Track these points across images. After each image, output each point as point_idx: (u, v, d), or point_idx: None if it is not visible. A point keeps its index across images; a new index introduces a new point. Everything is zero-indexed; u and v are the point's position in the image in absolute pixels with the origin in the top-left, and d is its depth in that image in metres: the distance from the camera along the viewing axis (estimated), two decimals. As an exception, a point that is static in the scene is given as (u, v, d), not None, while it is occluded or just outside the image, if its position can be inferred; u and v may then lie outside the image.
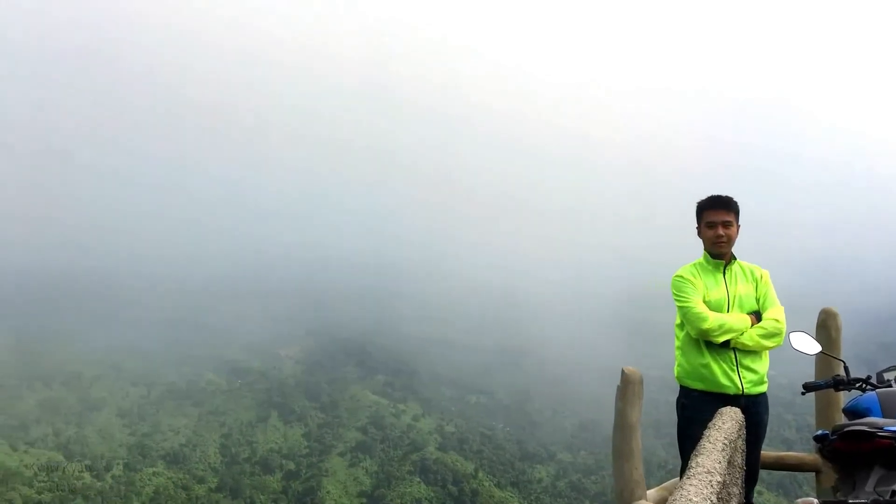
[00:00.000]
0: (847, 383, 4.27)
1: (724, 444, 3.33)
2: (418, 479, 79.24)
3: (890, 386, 3.97)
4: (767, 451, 6.04)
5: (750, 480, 4.77)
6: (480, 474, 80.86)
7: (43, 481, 68.41)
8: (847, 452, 3.18)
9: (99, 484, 71.24)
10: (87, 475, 72.97)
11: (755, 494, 5.02)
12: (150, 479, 74.31)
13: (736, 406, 4.45)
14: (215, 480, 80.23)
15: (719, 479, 2.83)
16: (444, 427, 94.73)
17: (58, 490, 67.31)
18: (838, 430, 3.21)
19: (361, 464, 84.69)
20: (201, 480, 79.19)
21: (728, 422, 3.76)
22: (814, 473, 6.33)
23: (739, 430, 3.86)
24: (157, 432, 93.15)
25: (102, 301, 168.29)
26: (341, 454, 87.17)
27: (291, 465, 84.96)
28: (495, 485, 79.24)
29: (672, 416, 5.29)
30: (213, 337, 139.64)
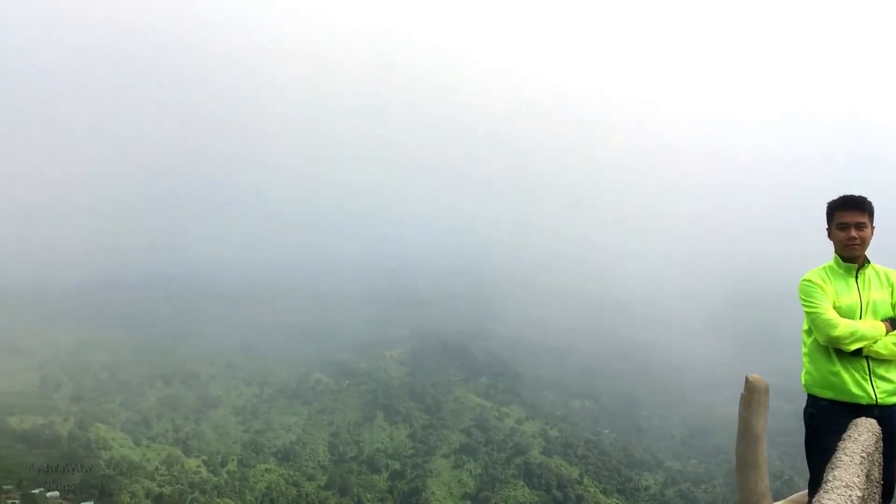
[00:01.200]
0: None
1: (862, 457, 3.20)
2: (522, 483, 78.91)
3: None
4: None
5: (886, 495, 4.54)
6: (586, 480, 79.84)
7: (163, 475, 71.92)
8: None
9: (215, 479, 74.30)
10: (203, 470, 76.37)
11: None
12: (262, 476, 76.85)
13: (869, 416, 4.27)
14: (324, 478, 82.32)
15: (858, 494, 2.72)
16: (548, 431, 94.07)
17: (177, 484, 70.54)
18: None
19: (465, 465, 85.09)
20: (311, 478, 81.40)
21: (864, 433, 3.60)
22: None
23: (877, 442, 3.70)
24: (270, 430, 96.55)
25: (221, 304, 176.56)
26: (445, 455, 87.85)
27: (397, 465, 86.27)
28: (601, 491, 78.10)
29: (788, 425, 5.11)
30: (323, 338, 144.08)
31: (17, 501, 50.53)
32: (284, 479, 77.73)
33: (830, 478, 2.83)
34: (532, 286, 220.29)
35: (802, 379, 4.91)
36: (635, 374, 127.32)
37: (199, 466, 76.54)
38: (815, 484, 3.82)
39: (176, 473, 73.36)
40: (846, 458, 3.12)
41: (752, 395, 5.10)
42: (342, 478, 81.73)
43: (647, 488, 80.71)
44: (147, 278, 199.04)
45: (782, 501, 5.54)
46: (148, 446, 78.08)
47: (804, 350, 4.89)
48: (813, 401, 4.82)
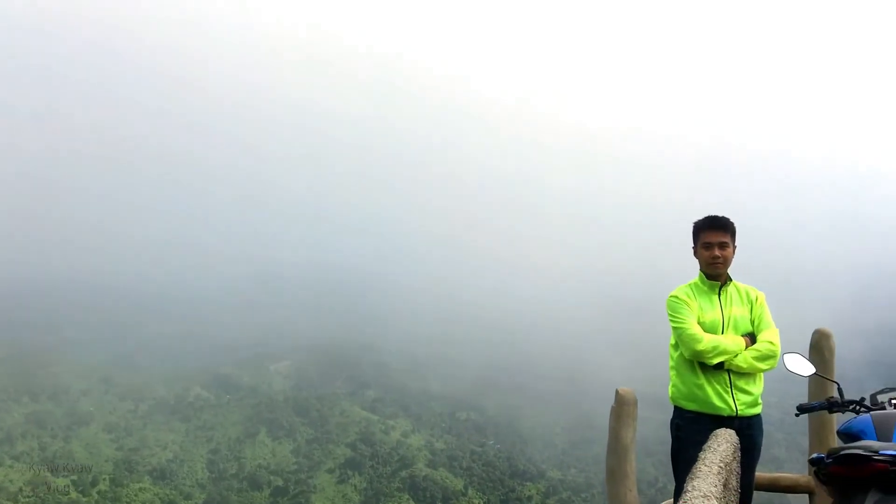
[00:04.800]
0: (841, 405, 4.26)
1: (720, 466, 3.32)
2: (407, 496, 78.88)
3: (884, 408, 3.96)
4: (760, 473, 6.03)
5: (744, 503, 4.75)
6: (470, 491, 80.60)
7: (28, 497, 67.76)
8: (843, 476, 3.16)
9: (85, 499, 70.64)
10: (72, 490, 72.32)
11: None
12: (136, 495, 73.75)
13: (730, 428, 4.44)
14: (202, 496, 79.78)
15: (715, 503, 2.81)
16: (433, 443, 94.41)
17: (43, 505, 66.64)
18: (834, 454, 3.18)
19: (350, 480, 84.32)
20: (188, 496, 78.72)
21: (723, 444, 3.74)
22: (807, 495, 6.33)
23: (734, 452, 3.85)
24: (145, 447, 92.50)
25: (97, 314, 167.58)
26: (330, 470, 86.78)
27: (279, 482, 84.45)
28: (485, 502, 79.00)
29: (663, 435, 5.24)
30: (205, 351, 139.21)
31: None
32: (160, 498, 74.87)
33: (690, 488, 2.91)
34: (424, 298, 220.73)
35: (669, 392, 5.07)
36: (521, 384, 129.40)
37: (67, 487, 72.37)
38: (680, 493, 3.94)
39: (42, 495, 69.18)
40: (705, 468, 3.22)
41: (621, 408, 5.26)
42: (221, 495, 79.40)
43: (529, 498, 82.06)
44: (15, 286, 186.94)
45: (650, 510, 5.72)
46: (11, 466, 73.30)
47: (671, 364, 5.06)
48: (679, 413, 5.00)
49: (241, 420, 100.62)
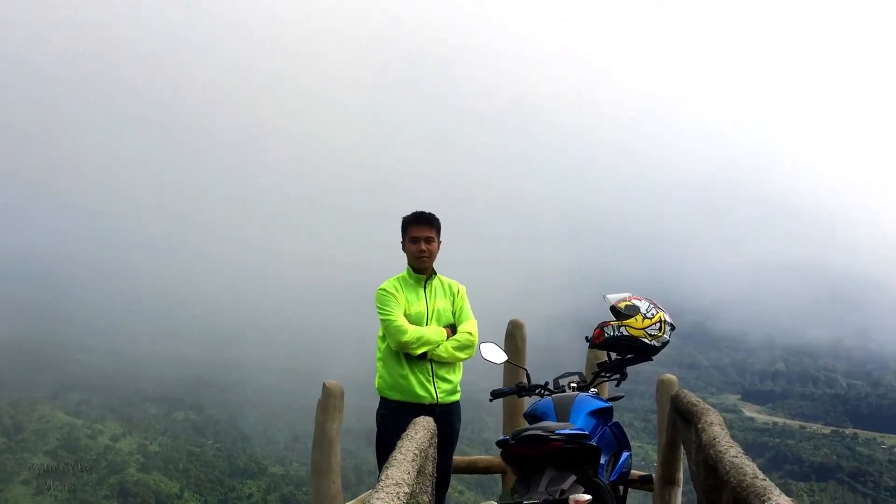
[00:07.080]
0: (528, 389, 4.61)
1: (415, 454, 3.42)
2: (116, 504, 74.00)
3: (564, 391, 4.36)
4: (464, 456, 6.39)
5: (441, 486, 4.98)
6: (186, 494, 77.51)
7: None
8: (524, 455, 3.41)
9: None
10: None
11: (458, 494, 5.26)
12: None
13: (430, 415, 4.62)
14: None
15: (407, 490, 2.87)
16: (147, 446, 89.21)
17: None
18: (517, 435, 3.42)
19: (50, 491, 77.02)
20: None
21: (420, 431, 3.87)
22: (500, 475, 6.83)
23: (431, 438, 4.00)
24: None
25: None
26: (25, 482, 78.61)
27: (-39, 500, 75.10)
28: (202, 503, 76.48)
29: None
30: None
31: None
32: None
33: (384, 476, 2.96)
34: (138, 290, 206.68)
35: (376, 383, 5.19)
36: (244, 380, 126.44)
37: None
38: None
39: None
40: (400, 456, 3.31)
41: (327, 400, 5.27)
42: None
43: (249, 496, 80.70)
44: None
45: (351, 502, 5.81)
46: None
47: (378, 355, 5.18)
48: (384, 403, 5.13)
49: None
